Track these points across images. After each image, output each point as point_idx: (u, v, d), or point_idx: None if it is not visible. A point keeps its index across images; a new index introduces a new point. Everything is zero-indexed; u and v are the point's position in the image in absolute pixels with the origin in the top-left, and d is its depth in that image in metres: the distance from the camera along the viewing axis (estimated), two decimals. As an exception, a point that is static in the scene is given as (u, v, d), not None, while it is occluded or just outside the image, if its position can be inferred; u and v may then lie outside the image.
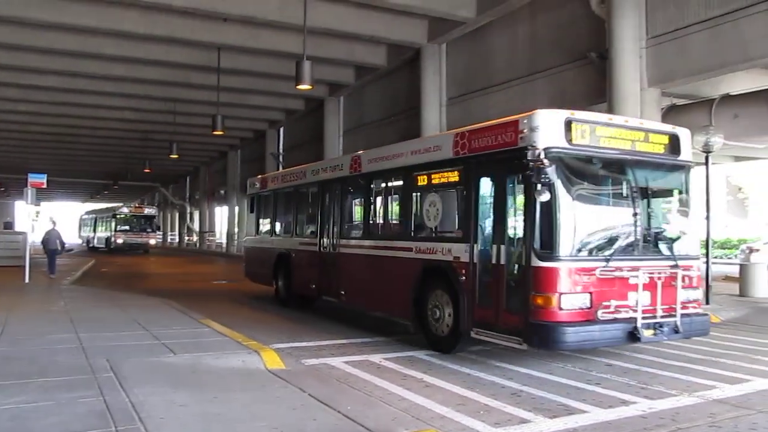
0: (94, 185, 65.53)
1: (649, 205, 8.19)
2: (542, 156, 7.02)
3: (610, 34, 14.05)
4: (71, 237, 57.96)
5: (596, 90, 14.95)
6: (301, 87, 16.14)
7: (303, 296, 13.48)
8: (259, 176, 17.09)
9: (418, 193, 9.82)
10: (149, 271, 28.05)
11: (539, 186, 6.97)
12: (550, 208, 7.17)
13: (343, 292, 11.52)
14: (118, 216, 44.93)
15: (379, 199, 11.25)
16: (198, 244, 53.87)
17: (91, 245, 50.22)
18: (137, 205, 54.07)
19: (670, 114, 15.52)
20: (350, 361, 8.23)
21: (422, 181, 9.68)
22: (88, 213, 58.57)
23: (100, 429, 4.97)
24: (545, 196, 6.96)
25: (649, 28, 13.92)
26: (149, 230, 45.93)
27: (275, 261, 14.34)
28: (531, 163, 7.07)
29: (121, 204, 53.33)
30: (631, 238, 7.72)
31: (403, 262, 9.65)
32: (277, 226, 15.40)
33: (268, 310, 13.74)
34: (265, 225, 16.03)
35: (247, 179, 18.59)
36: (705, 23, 12.77)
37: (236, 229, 42.91)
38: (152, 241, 46.13)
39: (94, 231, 50.66)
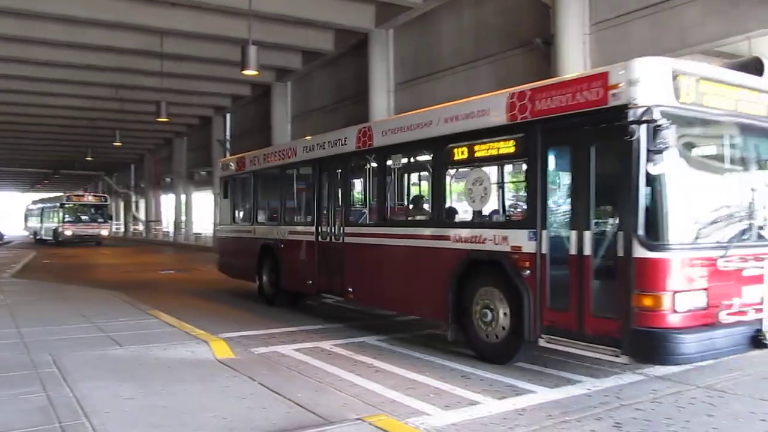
0: (36, 174, 63.57)
1: (761, 179, 6.72)
2: (656, 116, 5.61)
3: (555, 20, 14.23)
4: (16, 229, 56.21)
5: (541, 76, 15.07)
6: (247, 72, 15.94)
7: (295, 293, 11.90)
8: (235, 156, 15.60)
9: (457, 170, 8.27)
10: (94, 261, 27.38)
11: (650, 155, 5.60)
12: (658, 184, 5.71)
13: (350, 289, 9.78)
14: (66, 205, 40.97)
15: (399, 179, 9.79)
16: (144, 234, 52.86)
17: (38, 237, 47.44)
18: (89, 193, 47.73)
19: (613, 99, 15.84)
20: (300, 348, 8.21)
21: (461, 154, 7.95)
22: (34, 203, 55.04)
23: (43, 426, 4.84)
24: (660, 168, 5.58)
25: (593, 15, 14.14)
26: (101, 220, 41.72)
27: (258, 253, 12.48)
28: (634, 126, 5.65)
29: (68, 192, 47.32)
30: (749, 220, 6.37)
31: (438, 252, 8.02)
32: (260, 213, 13.44)
33: (218, 299, 13.59)
34: (243, 212, 14.25)
35: (191, 167, 18.22)
36: (646, 10, 13.03)
37: (183, 218, 42.28)
38: (104, 232, 41.46)
39: (41, 222, 47.24)
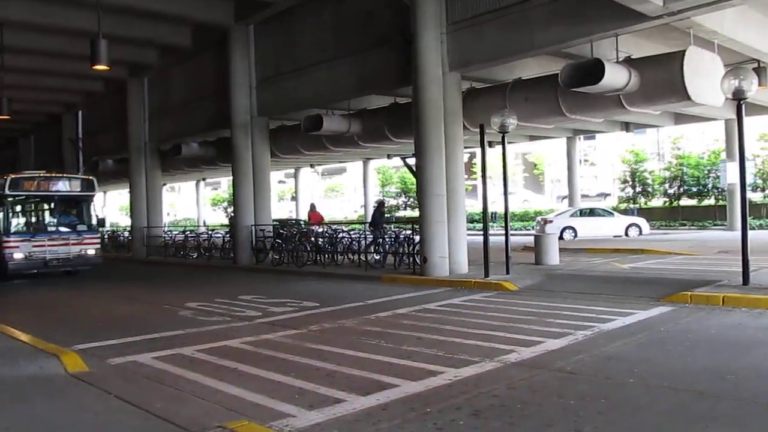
0: None
1: None
2: None
3: (413, 19, 14.57)
4: None
5: (401, 73, 15.46)
6: (97, 67, 15.06)
7: None
8: None
9: None
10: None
11: None
12: None
13: None
14: (9, 198, 18.79)
15: None
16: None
17: None
18: (58, 175, 20.83)
19: (469, 97, 16.44)
20: (160, 356, 7.88)
21: None
22: None
23: None
24: None
25: (449, 15, 14.60)
26: (82, 227, 19.67)
27: None
28: None
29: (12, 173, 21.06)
30: None
31: None
32: None
33: (74, 305, 12.80)
34: None
35: (41, 169, 16.80)
36: (497, 12, 13.64)
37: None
38: (91, 250, 19.44)
39: None
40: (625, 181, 37.95)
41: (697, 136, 41.63)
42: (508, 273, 14.13)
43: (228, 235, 23.56)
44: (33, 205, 19.78)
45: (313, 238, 19.94)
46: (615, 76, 12.95)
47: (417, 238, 15.68)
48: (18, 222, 19.01)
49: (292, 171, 46.33)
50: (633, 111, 15.26)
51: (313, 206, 24.30)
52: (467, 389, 6.10)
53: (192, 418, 5.17)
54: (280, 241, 20.27)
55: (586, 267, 16.36)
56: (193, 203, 54.85)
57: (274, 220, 22.68)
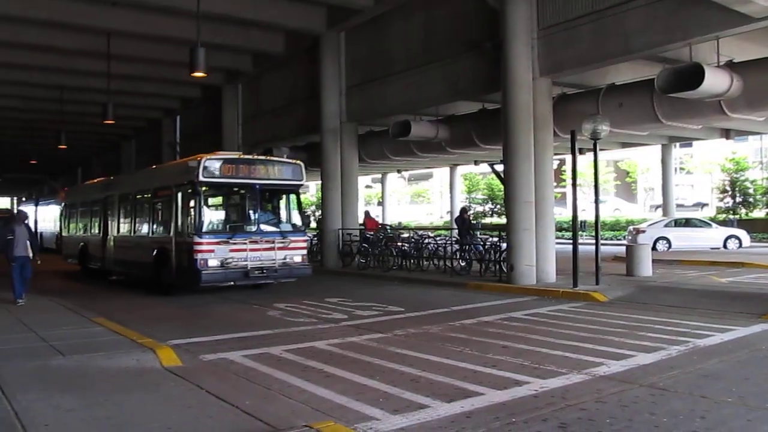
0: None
1: None
2: None
3: (503, 25, 14.42)
4: None
5: (490, 79, 15.33)
6: (195, 74, 15.66)
7: None
8: None
9: None
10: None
11: None
12: None
13: None
14: (203, 186, 13.95)
15: None
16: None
17: (91, 265, 19.95)
18: (262, 158, 16.20)
19: (560, 103, 16.12)
20: (249, 354, 8.11)
21: None
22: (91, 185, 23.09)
23: (-22, 440, 4.69)
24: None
25: (540, 20, 14.38)
26: (288, 229, 15.20)
27: None
28: None
29: (204, 154, 14.37)
30: None
31: None
32: None
33: (170, 304, 13.33)
34: None
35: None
36: (590, 16, 13.31)
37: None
38: (297, 257, 14.81)
39: (105, 230, 18.87)
40: (724, 191, 36.19)
41: (804, 144, 39.27)
42: (597, 283, 13.75)
43: (315, 238, 23.97)
44: (230, 196, 15.48)
45: (399, 243, 20.03)
46: (715, 81, 12.40)
47: (503, 245, 15.49)
48: (212, 218, 14.59)
49: (379, 176, 46.68)
50: (734, 117, 14.58)
51: (368, 213, 24.70)
52: (554, 401, 5.98)
53: (280, 416, 5.29)
54: (366, 245, 20.46)
55: (680, 279, 15.71)
56: (282, 206, 56.00)
57: (360, 224, 22.93)
